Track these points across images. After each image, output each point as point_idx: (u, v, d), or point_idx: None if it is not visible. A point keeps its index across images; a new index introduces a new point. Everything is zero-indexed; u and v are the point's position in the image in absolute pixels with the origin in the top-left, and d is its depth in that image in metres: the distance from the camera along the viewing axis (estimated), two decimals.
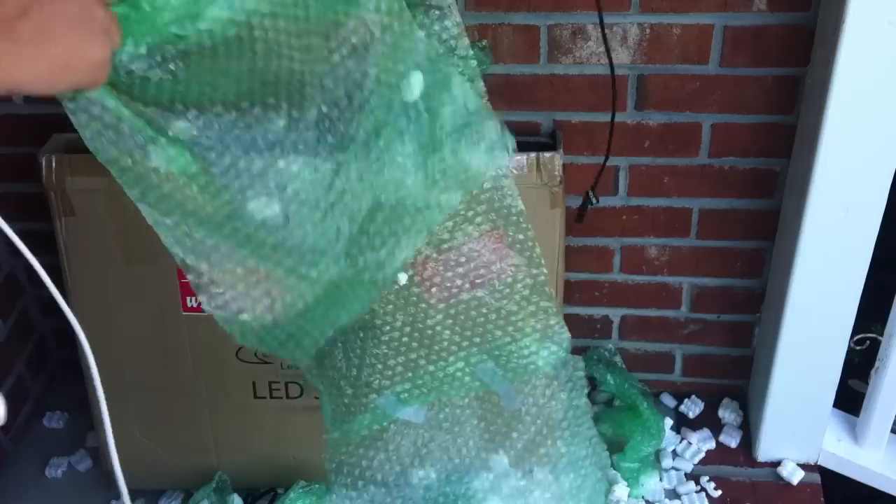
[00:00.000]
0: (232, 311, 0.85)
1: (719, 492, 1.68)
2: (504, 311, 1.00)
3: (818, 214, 1.42)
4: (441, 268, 0.96)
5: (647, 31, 1.46)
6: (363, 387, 1.01)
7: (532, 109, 1.55)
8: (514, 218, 0.96)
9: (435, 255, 0.96)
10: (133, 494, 1.70)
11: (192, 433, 1.64)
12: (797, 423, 1.67)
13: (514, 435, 1.12)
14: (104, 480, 1.71)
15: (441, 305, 0.97)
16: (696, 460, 1.74)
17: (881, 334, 1.56)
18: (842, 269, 1.47)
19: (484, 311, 0.99)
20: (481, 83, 0.92)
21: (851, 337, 1.55)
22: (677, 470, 1.72)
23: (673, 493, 1.68)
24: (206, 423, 1.63)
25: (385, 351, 0.99)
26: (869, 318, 1.61)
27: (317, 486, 1.65)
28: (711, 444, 1.77)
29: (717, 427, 1.80)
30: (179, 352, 1.55)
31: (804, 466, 1.70)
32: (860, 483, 1.70)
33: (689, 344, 1.82)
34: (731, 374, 1.84)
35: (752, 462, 1.74)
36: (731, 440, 1.77)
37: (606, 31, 1.46)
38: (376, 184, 0.85)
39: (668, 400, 1.86)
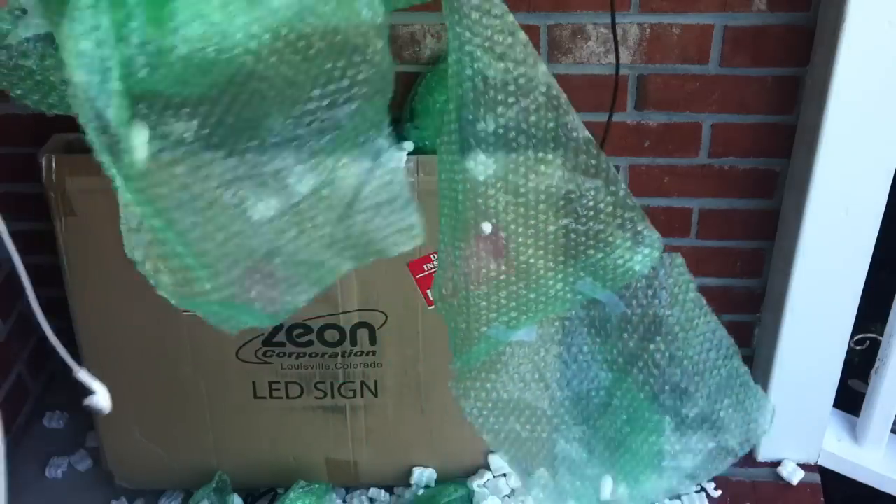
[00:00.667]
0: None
1: (719, 492, 1.68)
2: (591, 231, 1.05)
3: (818, 214, 1.42)
4: (522, 209, 1.01)
5: (647, 31, 1.46)
6: (473, 321, 1.08)
7: None
8: (584, 147, 1.01)
9: (513, 199, 1.00)
10: (133, 494, 1.70)
11: (192, 433, 1.64)
12: (797, 423, 1.67)
13: (625, 335, 1.18)
14: (104, 480, 1.71)
15: (530, 241, 1.03)
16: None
17: (881, 334, 1.56)
18: (842, 269, 1.47)
19: (573, 236, 1.04)
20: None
21: (851, 337, 1.55)
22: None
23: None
24: (206, 423, 1.63)
25: (485, 290, 1.05)
26: (869, 318, 1.61)
27: (317, 486, 1.65)
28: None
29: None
30: (179, 352, 1.55)
31: (804, 466, 1.71)
32: (860, 483, 1.70)
33: None
34: None
35: (752, 462, 1.74)
36: None
37: (606, 30, 1.46)
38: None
39: None
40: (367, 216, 0.93)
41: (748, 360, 1.81)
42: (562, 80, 1.51)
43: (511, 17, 0.92)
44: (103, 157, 0.76)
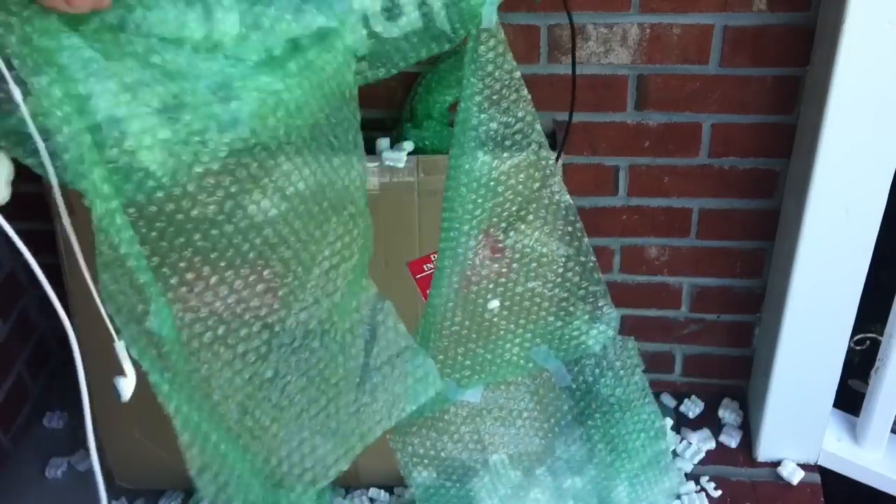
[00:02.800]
0: None
1: (719, 492, 1.68)
2: (556, 298, 1.08)
3: (818, 214, 1.42)
4: (496, 265, 1.05)
5: (647, 31, 1.46)
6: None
7: None
8: (564, 212, 1.04)
9: (490, 254, 1.03)
10: (133, 494, 1.70)
11: None
12: (797, 423, 1.67)
13: (565, 408, 1.22)
14: (104, 480, 1.71)
15: (497, 300, 1.06)
16: (696, 460, 1.74)
17: (881, 334, 1.56)
18: (842, 269, 1.47)
19: (537, 300, 1.07)
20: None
21: (851, 337, 1.55)
22: (678, 470, 1.72)
23: None
24: None
25: (446, 344, 1.08)
26: (869, 318, 1.61)
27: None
28: (711, 444, 1.77)
29: (717, 427, 1.80)
30: None
31: (804, 466, 1.71)
32: (860, 483, 1.70)
33: (689, 344, 1.82)
34: (731, 374, 1.84)
35: (752, 462, 1.74)
36: (731, 440, 1.77)
37: (606, 30, 1.46)
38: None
39: (668, 400, 1.86)
40: (385, 372, 0.97)
41: (748, 361, 1.81)
42: (562, 80, 1.52)
43: (518, 74, 0.97)
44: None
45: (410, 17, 0.91)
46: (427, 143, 1.45)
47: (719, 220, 1.64)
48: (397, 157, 1.40)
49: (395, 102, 1.54)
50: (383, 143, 1.44)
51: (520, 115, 0.99)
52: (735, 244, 1.67)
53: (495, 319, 1.08)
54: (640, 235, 1.68)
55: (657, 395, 1.85)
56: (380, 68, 0.93)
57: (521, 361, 1.13)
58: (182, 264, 0.80)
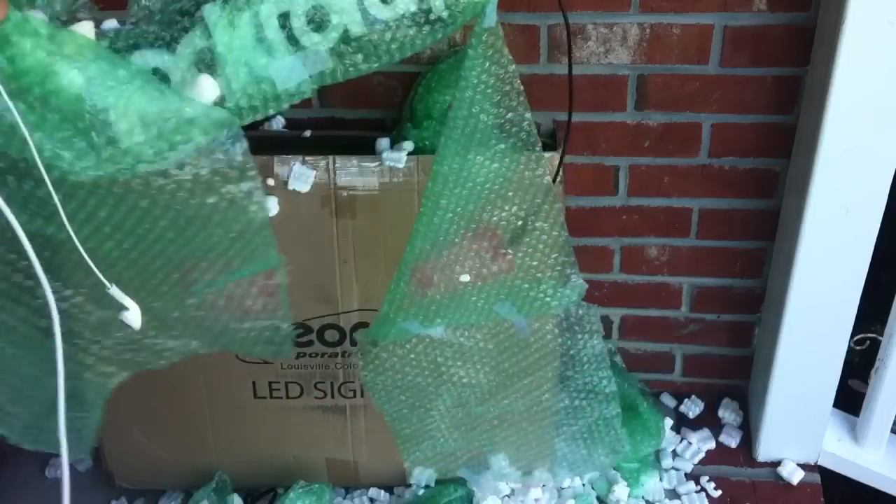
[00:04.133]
0: None
1: (719, 492, 1.68)
2: (525, 265, 1.15)
3: (818, 214, 1.42)
4: (475, 244, 1.12)
5: (647, 31, 1.46)
6: (395, 311, 1.19)
7: (532, 109, 1.55)
8: (545, 191, 1.11)
9: (473, 227, 1.11)
10: (133, 494, 1.70)
11: (192, 433, 1.64)
12: (797, 423, 1.67)
13: (521, 355, 1.31)
14: (104, 480, 1.71)
15: (468, 274, 1.14)
16: (696, 460, 1.74)
17: (881, 334, 1.56)
18: (842, 269, 1.47)
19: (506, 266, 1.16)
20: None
21: (851, 337, 1.55)
22: (677, 470, 1.72)
23: (673, 493, 1.69)
24: (206, 423, 1.63)
25: (413, 289, 1.15)
26: (869, 318, 1.61)
27: (317, 486, 1.65)
28: (711, 444, 1.77)
29: (717, 427, 1.80)
30: None
31: (804, 466, 1.71)
32: (860, 483, 1.70)
33: (689, 344, 1.82)
34: (731, 374, 1.84)
35: (752, 462, 1.74)
36: (731, 440, 1.77)
37: (606, 30, 1.46)
38: None
39: (668, 400, 1.86)
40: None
41: (748, 361, 1.81)
42: (562, 80, 1.52)
43: (513, 67, 1.02)
44: None
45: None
46: (427, 143, 1.45)
47: (719, 220, 1.64)
48: (397, 157, 1.40)
49: (395, 102, 1.54)
50: (383, 143, 1.44)
51: (512, 104, 1.03)
52: (735, 244, 1.67)
53: (463, 278, 1.17)
54: (640, 235, 1.68)
55: (657, 395, 1.85)
56: (373, 58, 0.94)
57: (485, 312, 1.21)
58: None
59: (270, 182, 1.38)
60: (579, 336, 1.29)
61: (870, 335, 1.67)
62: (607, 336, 1.82)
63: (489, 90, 1.01)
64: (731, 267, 1.70)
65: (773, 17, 1.43)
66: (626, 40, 1.47)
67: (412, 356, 1.30)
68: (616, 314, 1.79)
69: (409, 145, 1.44)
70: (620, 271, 1.73)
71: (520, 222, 1.12)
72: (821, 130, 1.34)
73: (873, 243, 1.43)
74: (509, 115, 1.04)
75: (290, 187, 1.38)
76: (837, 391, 1.62)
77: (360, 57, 0.93)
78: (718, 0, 1.42)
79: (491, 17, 0.98)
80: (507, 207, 1.11)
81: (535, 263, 1.15)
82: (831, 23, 1.30)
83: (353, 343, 1.53)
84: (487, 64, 0.99)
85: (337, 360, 1.55)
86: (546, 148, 1.47)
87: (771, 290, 1.67)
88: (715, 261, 1.69)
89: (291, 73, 0.92)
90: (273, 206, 1.40)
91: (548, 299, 1.18)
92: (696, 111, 1.53)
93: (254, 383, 1.58)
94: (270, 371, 1.57)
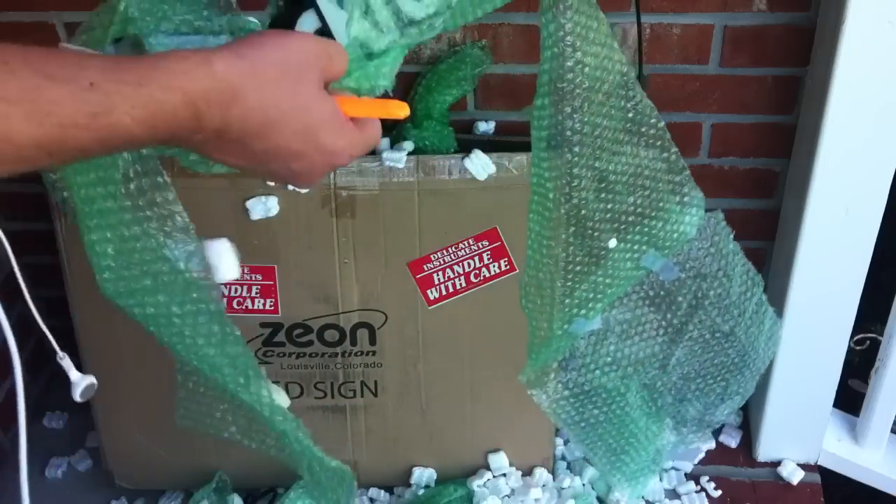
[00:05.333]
0: None
1: (719, 492, 1.68)
2: (653, 201, 1.11)
3: (818, 214, 1.42)
4: (603, 195, 1.06)
5: (647, 31, 1.46)
6: (556, 320, 1.12)
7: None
8: (648, 116, 1.07)
9: (596, 185, 1.05)
10: (133, 494, 1.70)
11: (192, 433, 1.64)
12: (797, 423, 1.67)
13: (679, 299, 1.26)
14: (104, 480, 1.71)
15: (609, 225, 1.08)
16: (696, 460, 1.74)
17: (881, 334, 1.56)
18: (842, 269, 1.47)
19: (639, 210, 1.10)
20: None
21: (851, 337, 1.55)
22: (677, 470, 1.72)
23: (673, 493, 1.69)
24: None
25: (570, 284, 1.10)
26: (869, 318, 1.61)
27: None
28: (711, 444, 1.77)
29: (717, 427, 1.80)
30: None
31: (804, 466, 1.71)
32: (860, 483, 1.70)
33: None
34: None
35: (752, 462, 1.74)
36: (731, 440, 1.77)
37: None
38: None
39: None
40: None
41: None
42: None
43: (594, 0, 0.95)
44: None
45: None
46: (427, 143, 1.45)
47: None
48: (397, 157, 1.40)
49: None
50: (383, 143, 1.44)
51: (604, 41, 0.97)
52: None
53: (608, 244, 1.11)
54: None
55: None
56: (437, 18, 0.89)
57: (634, 272, 1.16)
58: None
59: (270, 182, 1.38)
60: (721, 247, 1.24)
61: (870, 335, 1.67)
62: None
63: (583, 30, 0.94)
64: None
65: (773, 17, 1.43)
66: (626, 40, 1.47)
67: (589, 363, 1.25)
68: None
69: (409, 145, 1.44)
70: None
71: (636, 159, 1.07)
72: (821, 130, 1.34)
73: (873, 243, 1.43)
74: (604, 52, 0.98)
75: (290, 187, 1.38)
76: (837, 391, 1.62)
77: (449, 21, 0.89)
78: (718, 0, 1.42)
79: None
80: (624, 150, 1.06)
81: (658, 196, 1.11)
82: (831, 23, 1.30)
83: (354, 343, 1.53)
84: (576, 2, 0.93)
85: (337, 360, 1.55)
86: None
87: (771, 290, 1.67)
88: None
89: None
90: (273, 206, 1.40)
91: (681, 227, 1.15)
92: (696, 111, 1.53)
93: None
94: (270, 371, 1.57)
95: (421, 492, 1.67)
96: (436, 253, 1.46)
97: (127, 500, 1.70)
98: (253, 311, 1.50)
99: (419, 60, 1.51)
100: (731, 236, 1.25)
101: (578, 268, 1.09)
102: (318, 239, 1.44)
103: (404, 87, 1.52)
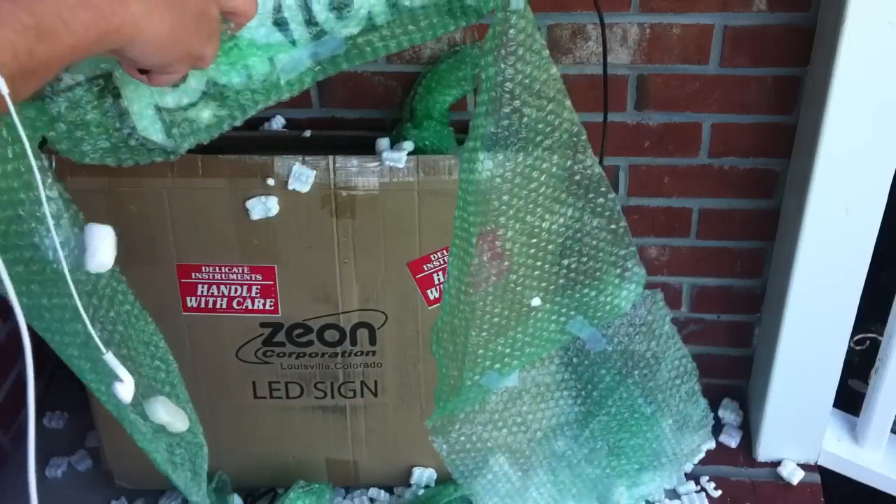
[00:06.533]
0: None
1: (719, 492, 1.68)
2: (589, 269, 1.08)
3: (818, 214, 1.42)
4: (533, 251, 1.03)
5: (647, 31, 1.46)
6: (468, 369, 1.10)
7: None
8: (596, 184, 1.02)
9: (526, 240, 1.02)
10: (133, 494, 1.70)
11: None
12: (797, 423, 1.67)
13: (602, 371, 1.23)
14: (104, 480, 1.71)
15: (534, 283, 1.05)
16: (696, 460, 1.74)
17: (881, 334, 1.56)
18: (842, 269, 1.47)
19: (572, 275, 1.07)
20: None
21: (851, 337, 1.55)
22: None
23: (673, 493, 1.69)
24: (205, 423, 1.62)
25: (486, 336, 1.06)
26: (869, 318, 1.61)
27: (317, 486, 1.65)
28: (711, 444, 1.77)
29: (717, 427, 1.80)
30: (179, 352, 1.54)
31: (804, 466, 1.71)
32: (860, 483, 1.70)
33: (689, 344, 1.81)
34: (731, 374, 1.84)
35: (752, 462, 1.74)
36: (731, 440, 1.77)
37: (606, 30, 1.46)
38: None
39: None
40: None
41: (748, 361, 1.82)
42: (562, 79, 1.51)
43: (547, 52, 0.93)
44: None
45: None
46: (427, 143, 1.45)
47: (719, 220, 1.64)
48: (397, 157, 1.40)
49: (395, 102, 1.54)
50: (383, 143, 1.44)
51: (551, 94, 0.95)
52: (735, 244, 1.67)
53: (533, 303, 1.09)
54: (640, 235, 1.68)
55: None
56: (391, 40, 0.88)
57: (558, 336, 1.13)
58: None
59: (270, 182, 1.38)
60: (654, 327, 1.21)
61: (870, 335, 1.67)
62: None
63: (527, 80, 0.91)
64: (731, 267, 1.70)
65: (773, 17, 1.43)
66: (626, 40, 1.47)
67: (497, 419, 1.21)
68: None
69: (409, 145, 1.44)
70: None
71: (577, 224, 1.04)
72: (821, 130, 1.34)
73: (873, 243, 1.43)
74: (550, 105, 0.95)
75: (290, 187, 1.38)
76: (837, 391, 1.62)
77: (377, 35, 0.87)
78: (718, 0, 1.42)
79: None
80: (562, 211, 1.02)
81: (598, 266, 1.08)
82: (831, 23, 1.30)
83: (354, 342, 1.53)
84: (522, 51, 0.90)
85: (337, 360, 1.55)
86: None
87: (771, 290, 1.67)
88: (715, 261, 1.69)
89: (297, 63, 0.87)
90: (273, 206, 1.40)
91: (616, 300, 1.12)
92: (696, 111, 1.53)
93: (253, 383, 1.58)
94: (270, 371, 1.57)
95: (421, 492, 1.67)
96: (436, 253, 1.46)
97: (127, 500, 1.70)
98: (253, 311, 1.50)
99: (419, 60, 1.51)
100: (668, 318, 1.22)
101: (496, 320, 1.06)
102: (318, 239, 1.44)
103: (404, 87, 1.52)
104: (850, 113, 1.32)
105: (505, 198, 0.97)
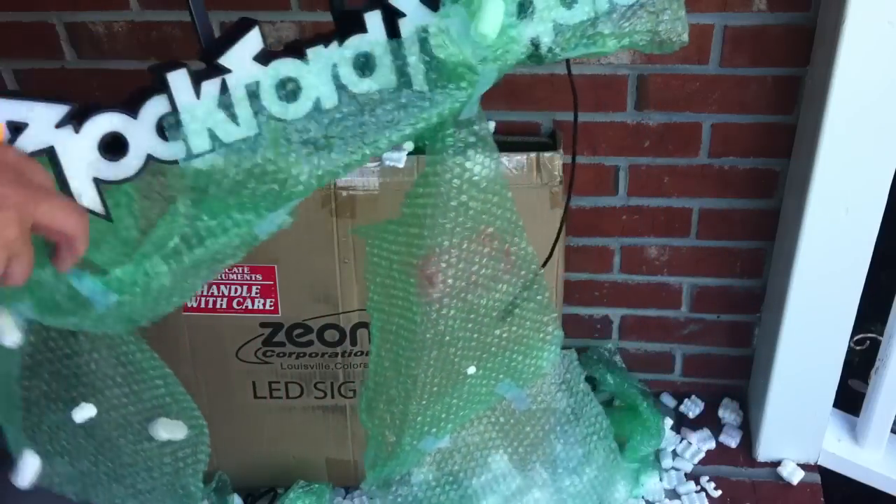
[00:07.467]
0: None
1: (719, 492, 1.68)
2: (518, 336, 1.14)
3: (818, 214, 1.42)
4: (471, 325, 1.08)
5: None
6: (406, 435, 1.15)
7: (532, 109, 1.55)
8: (528, 261, 1.08)
9: (465, 316, 1.07)
10: None
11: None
12: (797, 423, 1.67)
13: (527, 429, 1.29)
14: None
15: (471, 353, 1.11)
16: (696, 460, 1.74)
17: (881, 334, 1.56)
18: (842, 269, 1.47)
19: (503, 343, 1.13)
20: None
21: (851, 337, 1.55)
22: (677, 470, 1.72)
23: (673, 493, 1.69)
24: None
25: (425, 404, 1.12)
26: (869, 318, 1.61)
27: (317, 486, 1.65)
28: (711, 444, 1.77)
29: (717, 427, 1.80)
30: (179, 352, 1.55)
31: (804, 466, 1.71)
32: (860, 483, 1.70)
33: (689, 344, 1.82)
34: (731, 374, 1.84)
35: (752, 462, 1.74)
36: (731, 440, 1.77)
37: None
38: None
39: (668, 400, 1.86)
40: None
41: (748, 361, 1.82)
42: (562, 80, 1.52)
43: (493, 144, 0.97)
44: None
45: (383, 72, 0.83)
46: (427, 142, 1.45)
47: (719, 220, 1.64)
48: (397, 157, 1.40)
49: None
50: None
51: (495, 189, 1.00)
52: (735, 244, 1.67)
53: (469, 371, 1.15)
54: (640, 235, 1.68)
55: (657, 395, 1.85)
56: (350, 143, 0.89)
57: (488, 398, 1.20)
58: None
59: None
60: (571, 385, 1.29)
61: (870, 335, 1.67)
62: (607, 336, 1.83)
63: (475, 178, 0.98)
64: (731, 267, 1.70)
65: (773, 17, 1.43)
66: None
67: (431, 479, 1.29)
68: (616, 314, 1.79)
69: (408, 145, 1.44)
70: (620, 271, 1.73)
71: (508, 297, 1.10)
72: (821, 130, 1.34)
73: (873, 243, 1.43)
74: (494, 198, 1.00)
75: None
76: (837, 391, 1.62)
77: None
78: (718, 0, 1.42)
79: (473, 107, 0.90)
80: (498, 287, 1.08)
81: (525, 332, 1.15)
82: (831, 23, 1.30)
83: (354, 342, 1.53)
84: (471, 152, 0.96)
85: (337, 360, 1.55)
86: (546, 148, 1.47)
87: (771, 290, 1.67)
88: (715, 261, 1.69)
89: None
90: None
91: (539, 362, 1.18)
92: (696, 111, 1.53)
93: (253, 383, 1.58)
94: (270, 371, 1.57)
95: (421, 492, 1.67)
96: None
97: None
98: (253, 311, 1.50)
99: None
100: (583, 377, 1.30)
101: (436, 388, 1.11)
102: (318, 239, 1.44)
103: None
104: (850, 113, 1.32)
105: (450, 280, 1.02)
